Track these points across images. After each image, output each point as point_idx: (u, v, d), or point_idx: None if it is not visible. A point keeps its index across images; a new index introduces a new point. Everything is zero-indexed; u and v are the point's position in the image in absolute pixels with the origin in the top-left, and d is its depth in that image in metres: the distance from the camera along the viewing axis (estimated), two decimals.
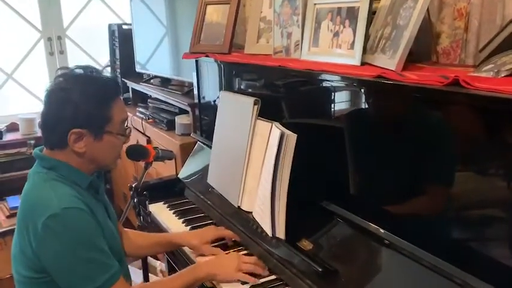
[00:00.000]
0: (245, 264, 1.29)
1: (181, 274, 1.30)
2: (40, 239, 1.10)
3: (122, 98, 1.27)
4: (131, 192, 1.67)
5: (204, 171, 1.80)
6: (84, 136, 1.18)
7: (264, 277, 1.28)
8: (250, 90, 1.72)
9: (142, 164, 1.73)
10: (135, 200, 1.66)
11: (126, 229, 1.53)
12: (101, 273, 1.13)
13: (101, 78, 1.23)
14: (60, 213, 1.09)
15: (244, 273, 1.27)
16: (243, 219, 1.49)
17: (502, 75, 0.86)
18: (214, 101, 1.94)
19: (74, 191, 1.17)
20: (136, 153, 1.65)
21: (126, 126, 1.29)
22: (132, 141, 1.75)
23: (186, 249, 1.50)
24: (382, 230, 1.13)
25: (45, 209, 1.10)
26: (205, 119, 2.07)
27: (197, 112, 2.11)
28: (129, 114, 2.94)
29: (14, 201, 2.94)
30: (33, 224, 1.11)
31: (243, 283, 1.26)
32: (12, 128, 3.48)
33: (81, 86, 1.17)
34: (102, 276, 1.13)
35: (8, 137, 3.39)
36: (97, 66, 1.27)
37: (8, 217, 2.89)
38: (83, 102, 1.16)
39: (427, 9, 1.17)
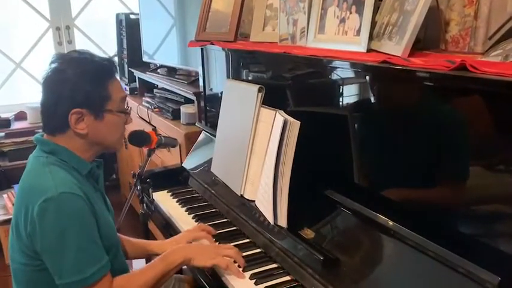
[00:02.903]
0: (221, 258, 1.25)
1: (157, 262, 1.26)
2: (34, 222, 1.09)
3: (118, 78, 1.27)
4: (134, 180, 1.66)
5: (209, 160, 1.80)
6: (84, 116, 1.18)
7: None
8: (255, 78, 1.70)
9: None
10: (138, 188, 1.65)
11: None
12: (90, 264, 1.11)
13: (96, 59, 1.22)
14: (56, 197, 1.08)
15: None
16: (245, 208, 1.49)
17: (511, 60, 0.84)
18: (220, 91, 1.93)
19: (73, 177, 1.16)
20: (139, 138, 1.65)
21: (127, 105, 1.28)
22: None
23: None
24: (385, 220, 1.11)
25: (42, 192, 1.09)
26: (210, 108, 2.06)
27: (202, 101, 2.09)
28: (135, 103, 2.95)
29: None
30: (30, 207, 1.09)
31: (244, 270, 1.25)
32: (20, 116, 3.51)
33: (76, 66, 1.17)
34: (91, 268, 1.11)
35: (16, 125, 3.42)
36: (102, 55, 1.27)
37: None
38: (79, 81, 1.15)
39: None
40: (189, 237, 1.44)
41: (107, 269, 1.15)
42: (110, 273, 1.16)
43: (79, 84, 1.15)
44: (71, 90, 1.15)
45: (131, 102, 3.04)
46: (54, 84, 1.17)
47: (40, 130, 1.27)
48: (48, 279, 1.13)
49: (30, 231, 1.10)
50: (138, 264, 2.55)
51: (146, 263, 1.95)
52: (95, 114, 1.19)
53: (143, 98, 2.95)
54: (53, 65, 1.19)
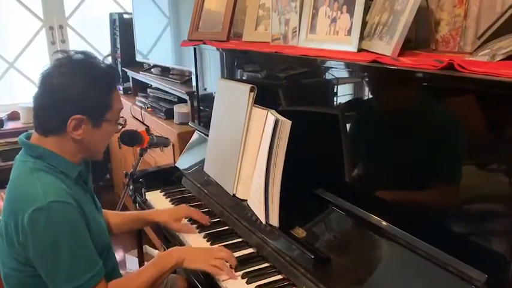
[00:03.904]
0: (216, 260, 1.25)
1: (150, 265, 1.26)
2: (25, 232, 1.08)
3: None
4: (127, 179, 1.66)
5: (202, 160, 1.80)
6: (83, 123, 1.16)
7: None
8: (248, 77, 1.70)
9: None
10: (130, 187, 1.65)
11: (104, 210, 1.48)
12: (84, 271, 1.11)
13: (101, 65, 1.21)
14: (46, 206, 1.06)
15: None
16: (238, 208, 1.49)
17: (498, 59, 0.85)
18: (213, 90, 1.93)
19: (62, 183, 1.14)
20: (131, 138, 1.65)
21: (121, 116, 1.29)
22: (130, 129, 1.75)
23: (181, 236, 1.50)
24: (376, 219, 1.12)
25: (31, 202, 1.07)
26: (203, 108, 2.06)
27: (195, 101, 2.10)
28: (128, 103, 2.95)
29: None
30: (20, 216, 1.08)
31: (236, 270, 1.25)
32: (13, 116, 3.50)
33: (85, 73, 1.15)
34: (85, 275, 1.11)
35: (9, 125, 3.41)
36: (98, 56, 1.26)
37: None
38: (89, 89, 1.14)
39: None
40: (186, 214, 1.53)
41: (101, 274, 1.15)
42: (104, 278, 1.16)
43: (88, 91, 1.14)
44: (79, 96, 1.13)
45: (125, 102, 3.03)
46: (58, 85, 1.14)
47: (33, 130, 1.23)
48: (40, 285, 1.13)
49: (22, 240, 1.09)
50: (131, 262, 2.56)
51: (139, 259, 1.97)
52: (93, 122, 1.18)
53: (136, 98, 2.94)
54: (58, 66, 1.16)
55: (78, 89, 1.13)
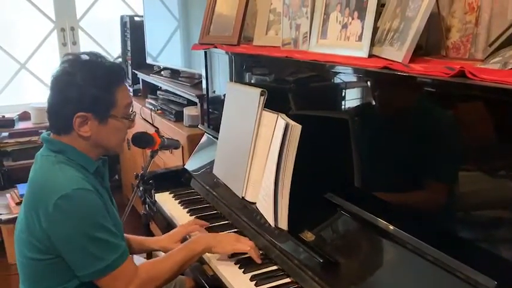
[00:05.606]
0: (242, 244, 1.32)
1: (180, 249, 1.31)
2: (51, 219, 1.12)
3: (126, 83, 1.29)
4: (137, 181, 1.68)
5: (211, 162, 1.81)
6: (89, 120, 1.20)
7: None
8: (258, 81, 1.72)
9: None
10: (140, 189, 1.67)
11: None
12: (110, 252, 1.16)
13: (106, 64, 1.24)
14: (70, 193, 1.12)
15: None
16: (247, 210, 1.50)
17: (510, 67, 0.85)
18: (223, 93, 1.94)
19: (82, 174, 1.20)
20: (142, 140, 1.67)
21: (131, 110, 1.30)
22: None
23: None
24: (385, 223, 1.12)
25: (56, 189, 1.13)
26: (212, 111, 2.08)
27: (205, 103, 2.11)
28: (138, 105, 2.97)
29: (24, 188, 2.97)
30: (44, 204, 1.13)
31: (245, 272, 1.27)
32: (24, 117, 3.53)
33: (87, 70, 1.19)
34: (112, 255, 1.16)
35: (20, 125, 3.44)
36: (109, 58, 1.28)
37: (18, 204, 2.93)
38: (88, 86, 1.17)
39: (437, 3, 1.16)
40: (184, 232, 1.49)
41: (126, 255, 1.20)
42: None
43: (87, 89, 1.17)
44: (78, 94, 1.17)
45: (135, 104, 3.05)
46: (62, 85, 1.19)
47: (43, 130, 1.29)
48: (57, 272, 1.17)
49: (46, 228, 1.14)
50: (138, 262, 2.56)
51: (147, 258, 1.98)
52: (99, 118, 1.21)
53: (146, 100, 2.97)
54: (64, 66, 1.21)
55: (78, 87, 1.17)
